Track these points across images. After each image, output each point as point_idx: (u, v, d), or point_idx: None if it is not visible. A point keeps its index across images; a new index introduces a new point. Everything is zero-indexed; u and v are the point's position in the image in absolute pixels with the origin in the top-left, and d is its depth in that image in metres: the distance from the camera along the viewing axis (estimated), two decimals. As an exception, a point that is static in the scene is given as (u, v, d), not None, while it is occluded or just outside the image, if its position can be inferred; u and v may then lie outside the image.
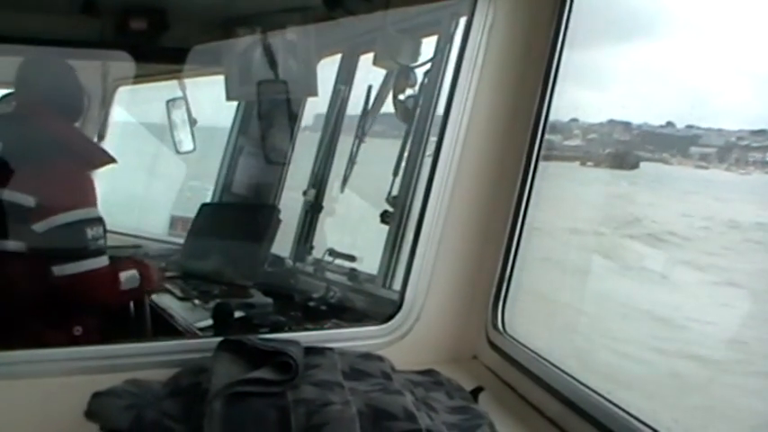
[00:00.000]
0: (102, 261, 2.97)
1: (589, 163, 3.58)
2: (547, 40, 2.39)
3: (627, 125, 3.23)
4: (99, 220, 2.97)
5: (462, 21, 2.60)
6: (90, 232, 2.91)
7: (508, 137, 2.48)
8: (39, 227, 2.84)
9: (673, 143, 3.09)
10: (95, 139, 4.58)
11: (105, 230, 3.01)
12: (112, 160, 3.21)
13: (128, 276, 3.07)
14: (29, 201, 2.85)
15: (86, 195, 3.00)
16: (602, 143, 3.38)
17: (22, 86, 3.21)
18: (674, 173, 3.21)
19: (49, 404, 1.97)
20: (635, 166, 3.40)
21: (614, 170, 3.54)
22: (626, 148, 3.26)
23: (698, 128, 2.98)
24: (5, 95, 3.20)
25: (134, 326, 3.25)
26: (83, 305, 2.95)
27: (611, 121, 3.25)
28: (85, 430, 1.83)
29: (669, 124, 3.02)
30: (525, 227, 2.43)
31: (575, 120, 3.43)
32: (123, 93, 4.95)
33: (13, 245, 2.88)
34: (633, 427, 1.76)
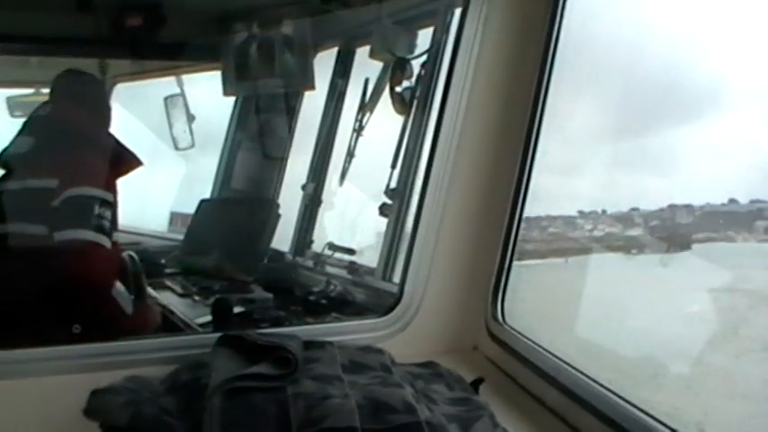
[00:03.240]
0: (104, 240, 2.94)
1: (633, 250, 3.57)
2: (543, 29, 2.38)
3: (689, 207, 3.21)
4: (110, 204, 2.99)
5: (458, 12, 2.59)
6: (98, 209, 2.93)
7: (505, 127, 2.47)
8: (56, 202, 2.90)
9: (737, 219, 3.05)
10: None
11: (114, 217, 3.02)
12: (139, 163, 3.25)
13: (124, 293, 3.05)
14: (52, 183, 2.92)
15: (107, 183, 3.05)
16: (665, 228, 3.36)
17: (60, 92, 3.36)
18: (734, 249, 3.13)
19: (48, 403, 1.97)
20: (686, 246, 3.35)
21: (660, 255, 3.48)
22: (688, 230, 3.23)
23: (762, 201, 2.95)
24: (45, 103, 3.36)
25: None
26: (72, 279, 2.86)
27: (671, 206, 3.23)
28: (85, 428, 1.82)
29: (732, 201, 2.99)
30: (523, 218, 2.43)
31: (635, 209, 3.44)
32: (121, 89, 4.94)
33: (34, 228, 2.93)
34: (632, 415, 1.75)
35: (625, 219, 3.49)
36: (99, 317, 2.90)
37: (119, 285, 3.03)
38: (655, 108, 2.81)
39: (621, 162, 3.06)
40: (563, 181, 3.40)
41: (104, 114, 3.40)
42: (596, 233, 3.55)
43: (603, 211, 3.53)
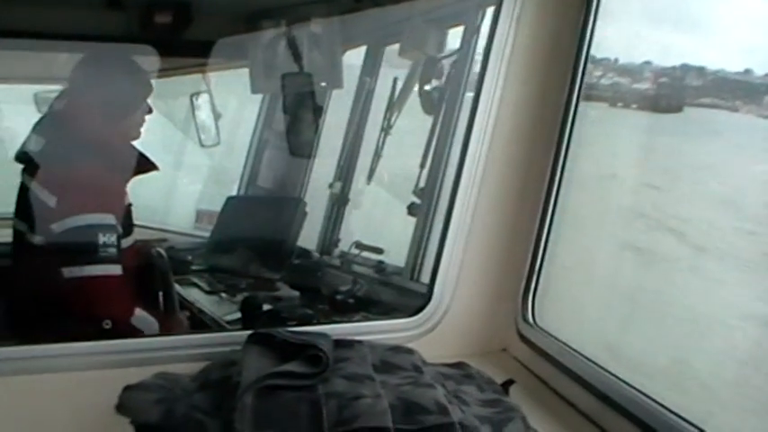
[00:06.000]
0: (114, 270, 2.91)
1: (619, 104, 3.46)
2: (576, 30, 2.36)
3: (701, 70, 3.07)
4: (113, 228, 2.91)
5: (489, 11, 2.57)
6: (102, 238, 2.86)
7: (538, 127, 2.45)
8: (56, 227, 2.85)
9: (747, 90, 2.91)
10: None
11: (120, 239, 2.95)
12: (154, 167, 3.17)
13: (144, 317, 3.01)
14: (51, 200, 2.86)
15: (107, 201, 2.96)
16: (672, 87, 3.24)
17: (72, 85, 3.18)
18: (727, 120, 3.00)
19: (79, 398, 1.97)
20: (677, 109, 3.23)
21: (647, 113, 3.37)
22: (698, 93, 3.11)
23: (777, 75, 2.83)
24: (62, 93, 3.18)
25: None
26: (88, 314, 2.85)
27: (684, 66, 3.10)
28: (116, 424, 1.84)
29: (747, 71, 2.87)
30: (555, 218, 2.41)
31: (648, 62, 3.32)
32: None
33: (38, 239, 2.91)
34: (671, 421, 1.73)
35: (635, 71, 3.40)
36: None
37: (138, 312, 2.99)
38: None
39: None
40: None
41: (122, 108, 3.13)
42: (604, 81, 3.43)
43: (616, 60, 3.43)
